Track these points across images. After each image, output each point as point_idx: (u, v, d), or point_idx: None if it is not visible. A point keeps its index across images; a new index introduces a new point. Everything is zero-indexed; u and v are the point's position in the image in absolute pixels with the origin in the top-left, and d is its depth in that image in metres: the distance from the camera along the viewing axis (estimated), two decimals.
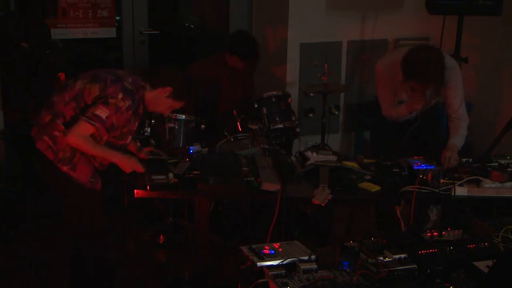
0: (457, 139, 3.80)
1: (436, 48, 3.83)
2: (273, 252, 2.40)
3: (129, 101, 3.19)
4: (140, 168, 3.32)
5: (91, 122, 3.12)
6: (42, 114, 3.26)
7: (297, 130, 4.47)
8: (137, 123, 3.39)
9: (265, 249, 2.41)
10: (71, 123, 3.15)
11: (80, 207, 3.30)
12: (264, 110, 4.37)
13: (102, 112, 3.13)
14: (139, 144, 3.67)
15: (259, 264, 2.31)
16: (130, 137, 3.41)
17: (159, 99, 3.37)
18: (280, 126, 4.38)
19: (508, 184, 3.33)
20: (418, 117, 3.85)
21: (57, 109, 3.20)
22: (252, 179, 3.35)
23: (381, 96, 4.03)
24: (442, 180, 3.34)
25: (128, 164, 3.30)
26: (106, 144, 3.25)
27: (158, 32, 5.64)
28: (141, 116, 3.41)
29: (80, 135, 3.14)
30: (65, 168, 3.20)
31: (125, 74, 3.32)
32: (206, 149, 3.77)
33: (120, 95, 3.17)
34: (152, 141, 4.04)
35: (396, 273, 2.27)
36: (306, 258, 2.35)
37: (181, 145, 4.04)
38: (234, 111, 4.37)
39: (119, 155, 3.30)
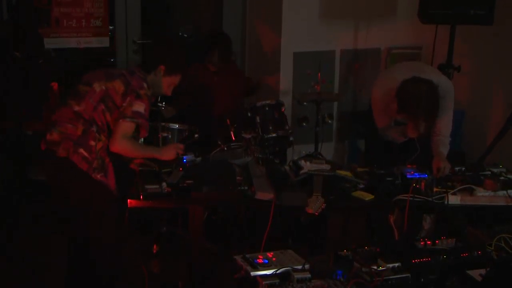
0: (444, 149, 3.80)
1: (429, 81, 3.62)
2: (266, 261, 2.40)
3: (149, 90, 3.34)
4: (180, 149, 3.51)
5: (134, 120, 3.21)
6: (68, 128, 3.19)
7: (291, 139, 4.47)
8: None
9: (259, 258, 2.41)
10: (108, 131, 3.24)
11: (104, 215, 3.27)
12: (258, 119, 4.37)
13: (139, 106, 3.22)
14: None
15: (253, 273, 2.31)
16: None
17: (157, 81, 3.46)
18: (274, 135, 4.38)
19: (501, 192, 3.34)
20: (417, 147, 3.81)
21: (87, 117, 3.20)
22: (246, 188, 3.35)
23: (377, 118, 3.97)
24: (435, 189, 3.34)
25: (170, 153, 3.45)
26: None
27: (151, 41, 5.65)
28: None
29: (125, 136, 3.22)
30: (99, 176, 3.21)
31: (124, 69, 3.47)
32: (200, 158, 3.77)
33: (145, 85, 3.30)
34: None
35: (389, 282, 2.27)
36: (299, 267, 2.35)
37: None
38: (228, 120, 4.37)
39: (158, 150, 3.47)
